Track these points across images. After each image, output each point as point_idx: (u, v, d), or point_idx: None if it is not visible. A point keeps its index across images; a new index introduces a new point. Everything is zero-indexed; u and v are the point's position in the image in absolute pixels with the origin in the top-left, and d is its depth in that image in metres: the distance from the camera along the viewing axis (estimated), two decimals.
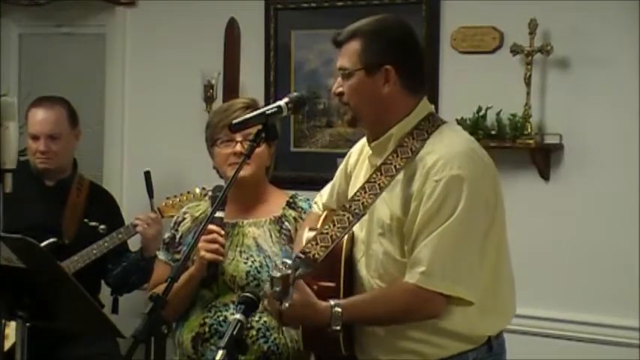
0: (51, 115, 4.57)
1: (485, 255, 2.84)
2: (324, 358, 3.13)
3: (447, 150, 2.82)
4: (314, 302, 2.79)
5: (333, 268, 2.89)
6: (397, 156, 2.86)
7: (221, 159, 3.50)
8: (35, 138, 4.53)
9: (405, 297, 2.80)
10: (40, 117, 4.55)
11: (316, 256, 2.79)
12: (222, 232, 3.39)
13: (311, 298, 2.79)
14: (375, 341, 2.94)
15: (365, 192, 2.87)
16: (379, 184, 2.86)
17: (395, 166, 2.85)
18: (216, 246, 3.34)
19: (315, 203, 3.33)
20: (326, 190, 3.29)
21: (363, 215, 2.86)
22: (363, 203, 2.86)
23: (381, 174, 2.87)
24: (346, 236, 2.93)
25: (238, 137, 3.43)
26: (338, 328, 2.78)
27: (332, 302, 2.79)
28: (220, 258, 3.36)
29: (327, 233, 2.84)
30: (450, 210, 2.75)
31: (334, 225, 2.85)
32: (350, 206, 2.88)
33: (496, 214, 2.87)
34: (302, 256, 2.78)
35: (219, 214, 3.35)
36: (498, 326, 2.94)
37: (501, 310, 2.94)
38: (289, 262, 2.74)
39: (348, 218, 2.86)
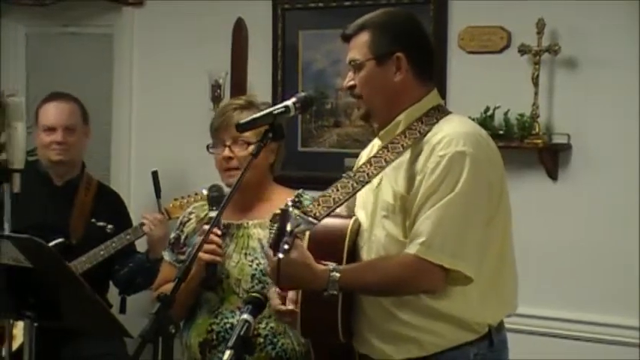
0: (67, 108, 4.59)
1: (490, 242, 2.84)
2: (321, 347, 3.10)
3: (453, 130, 2.84)
4: (312, 263, 2.78)
5: (336, 255, 2.88)
6: (405, 137, 2.88)
7: (217, 165, 3.48)
8: (51, 130, 4.53)
9: (403, 266, 2.79)
10: (56, 109, 4.57)
11: (317, 214, 2.79)
12: (219, 232, 3.37)
13: (309, 259, 2.78)
14: (371, 326, 2.92)
15: (371, 165, 2.90)
16: (385, 159, 2.88)
17: (402, 145, 2.87)
18: (212, 246, 3.31)
19: None
20: None
21: (367, 183, 2.87)
22: (367, 173, 2.88)
23: (388, 150, 2.89)
24: (351, 225, 2.94)
25: (227, 142, 3.41)
26: (334, 292, 2.77)
27: (330, 266, 2.78)
28: (218, 258, 3.34)
29: (330, 196, 2.85)
30: (452, 184, 2.76)
31: (337, 190, 2.87)
32: (355, 174, 2.90)
33: (501, 202, 2.87)
34: (303, 215, 2.77)
35: (214, 213, 3.32)
36: (499, 315, 2.93)
37: (503, 300, 2.93)
38: (289, 201, 2.75)
39: (352, 185, 2.87)
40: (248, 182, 3.29)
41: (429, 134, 2.86)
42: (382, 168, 2.87)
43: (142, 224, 4.42)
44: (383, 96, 2.93)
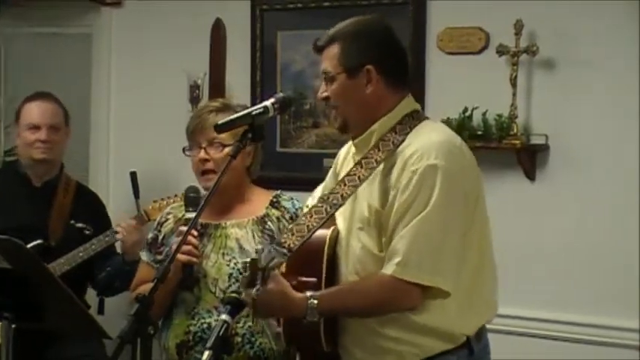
0: (50, 107, 4.59)
1: (468, 250, 2.84)
2: (306, 354, 3.12)
3: (425, 141, 2.83)
4: (289, 292, 2.78)
5: (315, 265, 2.89)
6: (379, 150, 2.88)
7: (192, 167, 3.48)
8: (35, 128, 4.52)
9: (381, 288, 2.80)
10: (40, 108, 4.57)
11: (291, 245, 2.79)
12: (195, 234, 3.37)
13: (286, 288, 2.78)
14: (354, 339, 2.94)
15: (344, 184, 2.89)
16: (359, 176, 2.87)
17: (376, 159, 2.87)
18: (189, 247, 3.31)
19: (307, 206, 3.32)
20: (317, 192, 3.29)
21: (341, 205, 2.87)
22: (341, 195, 2.88)
23: (362, 167, 2.88)
24: (330, 234, 2.94)
25: (203, 143, 3.41)
26: (314, 319, 2.78)
27: (308, 294, 2.78)
28: (194, 260, 3.34)
29: (304, 224, 2.85)
30: (424, 200, 2.75)
31: (311, 216, 2.87)
32: (328, 197, 2.90)
33: (476, 211, 2.87)
34: (277, 246, 2.78)
35: (190, 214, 3.32)
36: (476, 325, 2.93)
37: (480, 309, 2.94)
38: (261, 247, 2.75)
39: (326, 209, 2.87)
40: (226, 184, 3.26)
41: (403, 145, 2.85)
42: (356, 187, 2.87)
43: (116, 232, 4.40)
44: (356, 108, 2.92)
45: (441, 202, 2.75)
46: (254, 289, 2.68)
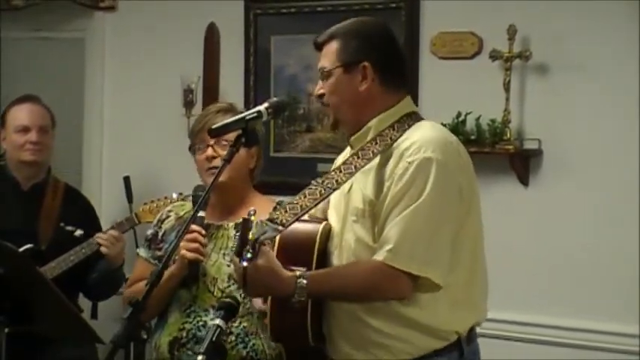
0: (40, 109, 4.58)
1: (462, 248, 2.84)
2: (292, 350, 3.10)
3: (423, 135, 2.84)
4: (278, 270, 2.76)
5: (306, 257, 2.88)
6: (376, 143, 2.89)
7: (199, 166, 3.49)
8: (25, 130, 4.50)
9: (371, 273, 2.79)
10: (29, 110, 4.55)
11: (283, 221, 2.78)
12: (204, 232, 3.38)
13: (275, 265, 2.76)
14: (339, 329, 2.93)
15: (340, 172, 2.90)
16: (355, 165, 2.88)
17: (372, 151, 2.88)
18: (196, 245, 3.33)
19: None
20: None
21: (335, 190, 2.87)
22: (336, 180, 2.88)
23: (358, 157, 2.89)
24: (322, 228, 2.95)
25: (210, 142, 3.43)
26: (302, 299, 2.76)
27: (297, 272, 2.77)
28: (201, 258, 3.35)
29: (298, 203, 2.84)
30: (419, 190, 2.76)
31: (305, 196, 2.86)
32: (323, 181, 2.90)
33: (472, 207, 2.87)
34: (269, 222, 2.77)
35: (200, 213, 3.34)
36: (468, 323, 2.93)
37: (473, 308, 2.94)
38: (252, 210, 2.74)
39: (320, 192, 2.87)
40: (228, 185, 3.33)
41: (400, 140, 2.87)
42: (351, 174, 2.88)
43: (99, 244, 4.37)
44: (349, 104, 2.93)
45: (435, 194, 2.76)
46: (241, 259, 2.67)
